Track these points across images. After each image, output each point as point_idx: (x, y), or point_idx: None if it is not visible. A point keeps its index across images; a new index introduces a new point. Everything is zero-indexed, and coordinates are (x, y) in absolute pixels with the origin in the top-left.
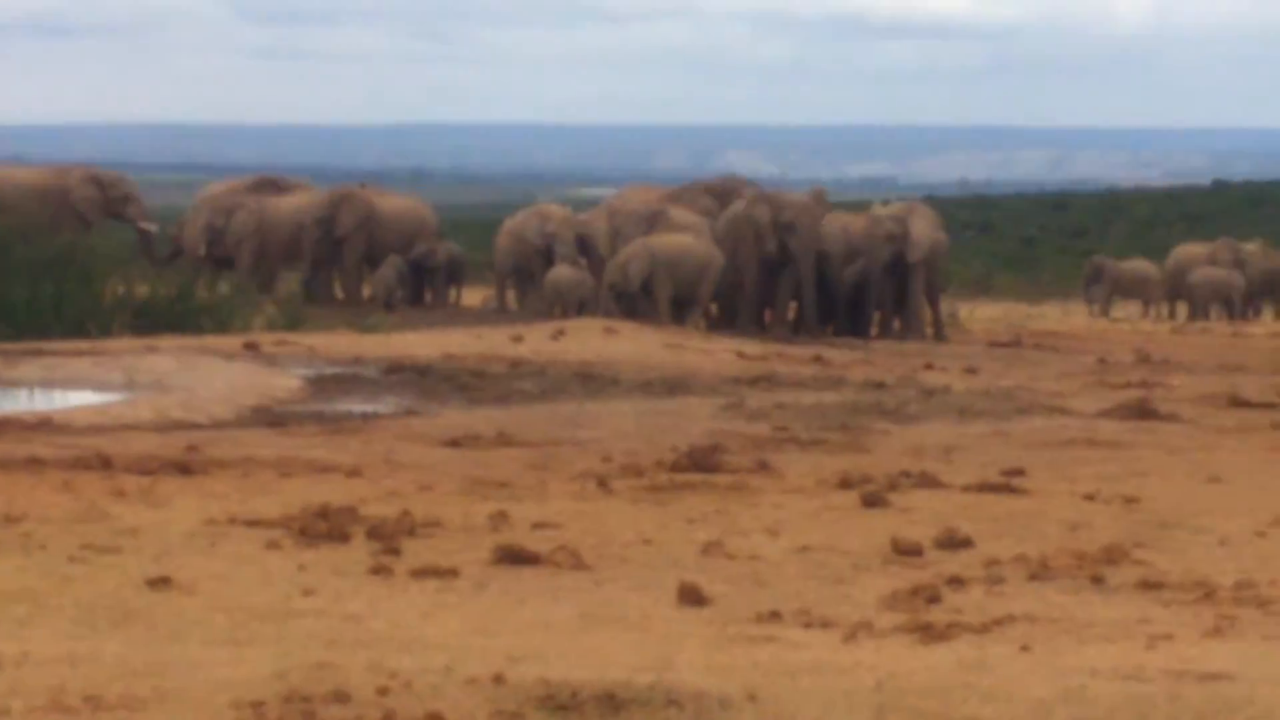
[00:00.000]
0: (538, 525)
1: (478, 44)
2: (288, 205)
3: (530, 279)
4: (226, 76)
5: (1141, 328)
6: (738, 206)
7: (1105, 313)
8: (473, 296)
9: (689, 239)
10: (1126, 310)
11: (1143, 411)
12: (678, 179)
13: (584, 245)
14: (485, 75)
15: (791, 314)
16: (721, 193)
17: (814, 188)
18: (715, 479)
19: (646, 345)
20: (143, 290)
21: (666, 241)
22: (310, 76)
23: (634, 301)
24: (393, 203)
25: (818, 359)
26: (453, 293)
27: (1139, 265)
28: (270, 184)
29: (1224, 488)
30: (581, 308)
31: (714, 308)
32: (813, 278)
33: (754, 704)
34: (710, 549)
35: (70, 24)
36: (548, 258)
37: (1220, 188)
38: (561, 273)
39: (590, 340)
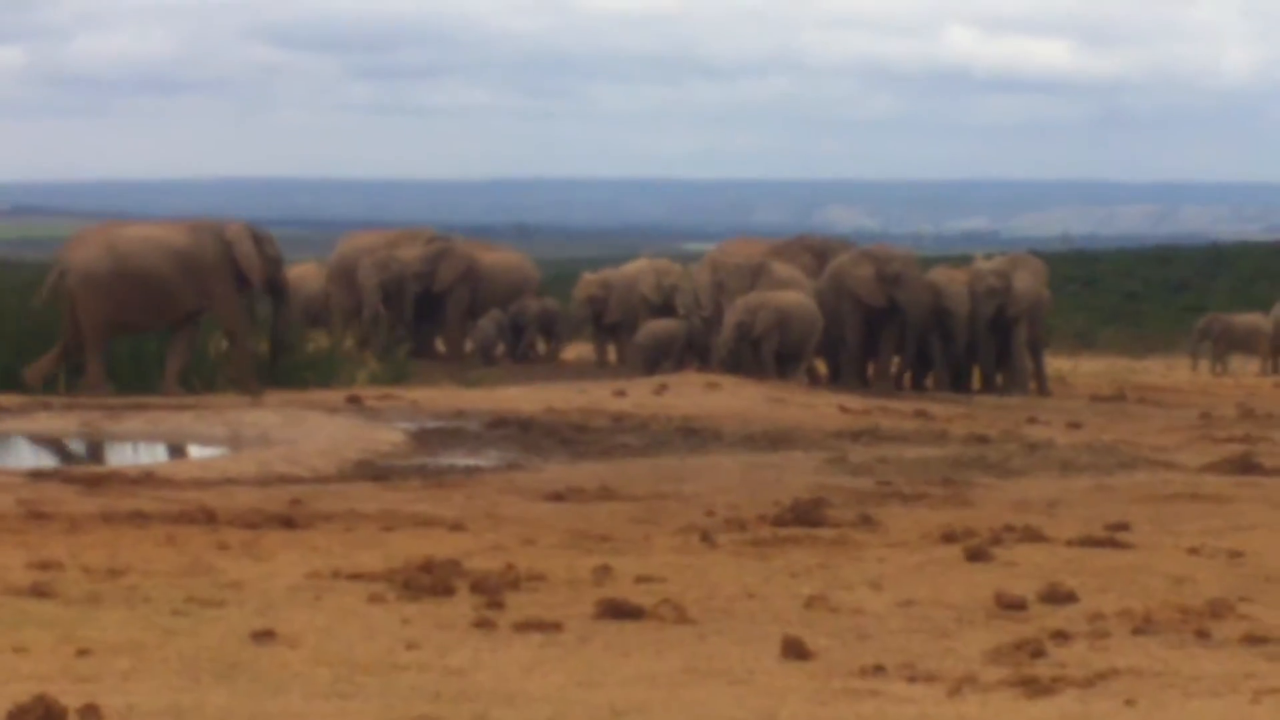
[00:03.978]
0: (641, 579)
1: (581, 99)
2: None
3: (632, 332)
4: (332, 132)
5: (1244, 382)
6: (842, 260)
7: (1224, 368)
8: (576, 350)
9: (800, 295)
10: (1236, 365)
11: (1247, 466)
12: (780, 233)
13: (696, 299)
14: (588, 130)
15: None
16: (821, 250)
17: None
18: (818, 533)
19: (749, 399)
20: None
21: (784, 297)
22: (415, 132)
23: (739, 356)
24: (494, 257)
25: (921, 413)
26: (542, 346)
27: (1252, 319)
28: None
29: None
30: (675, 359)
31: (819, 364)
32: (917, 330)
33: None
34: (814, 603)
35: (179, 80)
36: (662, 312)
37: None
38: (659, 325)
39: (693, 394)
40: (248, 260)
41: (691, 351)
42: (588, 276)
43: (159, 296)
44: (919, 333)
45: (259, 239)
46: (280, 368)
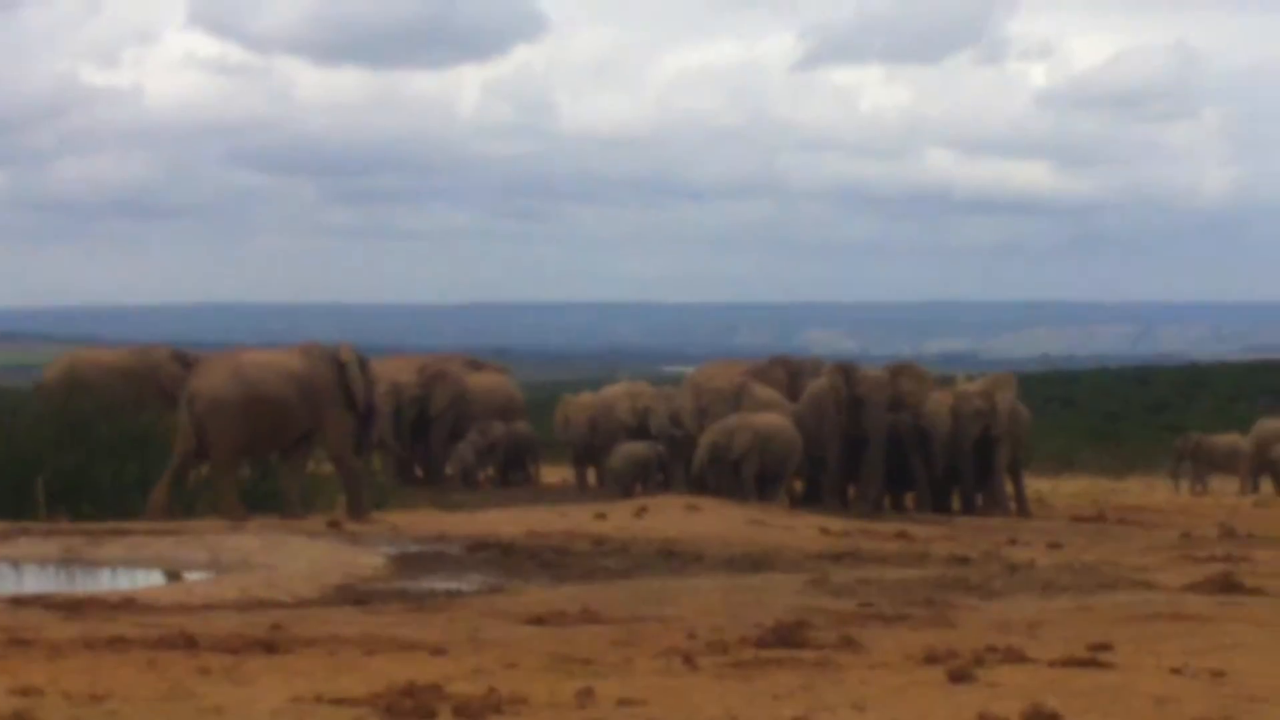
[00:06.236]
0: (623, 702)
1: (560, 222)
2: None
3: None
4: (312, 256)
5: (1224, 502)
6: (821, 382)
7: (1204, 488)
8: (553, 474)
9: (779, 417)
10: (1216, 485)
11: (1228, 585)
12: (760, 356)
13: (674, 421)
14: (568, 253)
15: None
16: (796, 369)
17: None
18: (801, 655)
19: (729, 522)
20: None
21: (763, 419)
22: (395, 255)
23: (720, 478)
24: (478, 380)
25: (901, 535)
26: (512, 471)
27: (1231, 439)
28: (471, 364)
29: None
30: (649, 481)
31: (798, 485)
32: (881, 453)
33: None
34: None
35: (159, 205)
36: (639, 435)
37: None
38: (633, 448)
39: (673, 517)
40: (356, 383)
41: (663, 472)
42: (577, 400)
43: (282, 421)
44: (884, 454)
45: (363, 362)
46: (262, 492)
